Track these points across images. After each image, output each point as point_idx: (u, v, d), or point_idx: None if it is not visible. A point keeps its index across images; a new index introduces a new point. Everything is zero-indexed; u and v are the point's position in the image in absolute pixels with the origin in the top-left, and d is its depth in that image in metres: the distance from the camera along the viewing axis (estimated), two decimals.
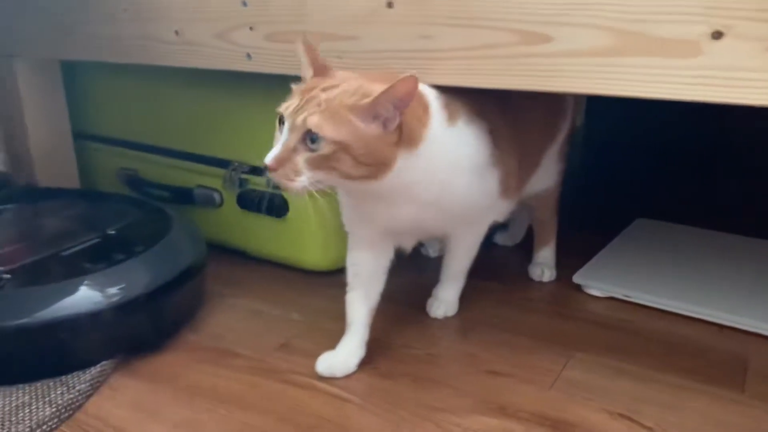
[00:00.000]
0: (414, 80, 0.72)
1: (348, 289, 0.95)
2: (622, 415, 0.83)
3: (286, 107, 0.76)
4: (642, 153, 1.95)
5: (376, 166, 0.77)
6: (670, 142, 1.98)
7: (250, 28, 0.99)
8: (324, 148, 0.74)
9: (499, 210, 1.01)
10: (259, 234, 1.25)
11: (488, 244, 1.29)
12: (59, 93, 1.39)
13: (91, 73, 1.43)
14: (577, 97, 1.22)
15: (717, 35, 0.68)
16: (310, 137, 0.74)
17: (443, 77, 0.84)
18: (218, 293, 1.16)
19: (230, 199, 1.25)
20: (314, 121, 0.73)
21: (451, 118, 0.85)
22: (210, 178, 1.28)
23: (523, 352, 0.97)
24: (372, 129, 0.75)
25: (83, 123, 1.45)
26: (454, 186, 0.87)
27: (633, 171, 1.84)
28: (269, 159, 0.74)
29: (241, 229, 1.27)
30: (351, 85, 0.76)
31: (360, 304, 0.94)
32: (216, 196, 1.27)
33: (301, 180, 0.74)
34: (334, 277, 1.18)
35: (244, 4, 0.99)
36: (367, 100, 0.73)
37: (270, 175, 0.75)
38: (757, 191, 1.66)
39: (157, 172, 1.36)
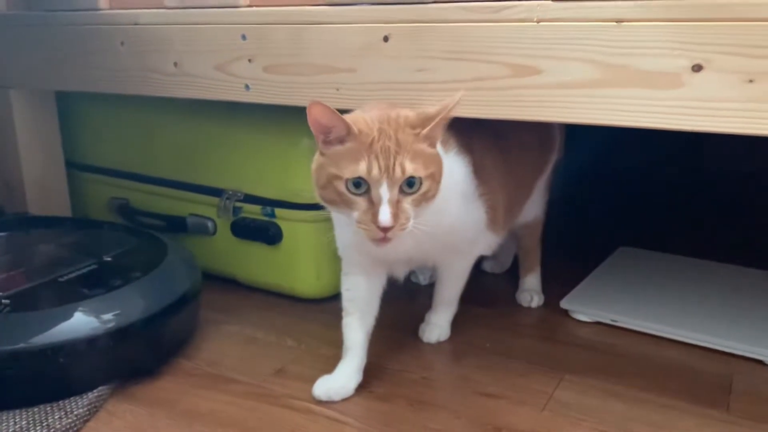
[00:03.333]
0: (458, 99, 0.78)
1: (344, 314, 0.97)
2: None
3: (368, 171, 0.76)
4: (622, 184, 2.01)
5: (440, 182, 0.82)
6: (650, 173, 2.06)
7: (249, 60, 1.03)
8: (423, 186, 0.79)
9: (487, 242, 1.04)
10: (252, 262, 1.26)
11: (477, 271, 1.32)
12: (53, 123, 1.41)
13: (83, 104, 1.45)
14: (561, 130, 1.27)
15: (697, 68, 0.73)
16: (406, 182, 0.78)
17: None
18: (212, 321, 1.16)
19: (224, 227, 1.27)
20: (411, 168, 0.77)
21: (445, 147, 0.90)
22: (203, 207, 1.29)
23: (516, 375, 0.99)
24: (431, 150, 0.81)
25: (75, 153, 1.47)
26: (446, 213, 0.90)
27: (613, 202, 1.89)
28: (385, 221, 0.76)
29: (234, 258, 1.28)
30: (387, 120, 0.79)
31: (357, 329, 0.96)
32: (209, 224, 1.29)
33: (411, 223, 0.79)
34: (327, 305, 1.20)
35: (244, 37, 1.02)
36: (426, 130, 0.79)
37: (387, 234, 0.77)
38: (735, 220, 1.72)
39: (150, 201, 1.37)
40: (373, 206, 0.78)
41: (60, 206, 1.43)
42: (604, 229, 1.65)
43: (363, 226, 0.78)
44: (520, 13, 0.82)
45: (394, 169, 0.77)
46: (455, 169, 0.91)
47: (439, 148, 0.87)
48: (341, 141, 0.79)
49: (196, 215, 1.31)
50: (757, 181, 1.94)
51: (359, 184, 0.78)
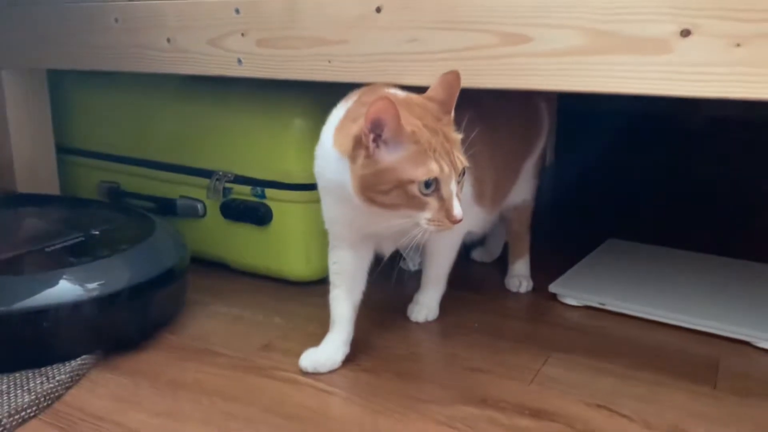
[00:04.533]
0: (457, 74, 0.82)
1: (331, 287, 0.96)
2: (600, 406, 0.85)
3: (440, 170, 0.78)
4: (613, 177, 2.04)
5: None
6: (641, 168, 2.08)
7: (242, 35, 1.03)
8: (467, 171, 0.83)
9: (475, 217, 1.04)
10: (242, 244, 1.25)
11: (466, 260, 1.32)
12: (44, 103, 1.40)
13: (73, 87, 1.45)
14: (551, 122, 1.27)
15: (685, 33, 0.74)
16: (461, 174, 0.82)
17: (431, 78, 0.87)
18: (200, 302, 1.15)
19: (213, 209, 1.27)
20: (464, 159, 0.82)
21: None
22: (193, 189, 1.29)
23: (504, 352, 0.99)
24: (458, 134, 0.85)
25: (65, 137, 1.47)
26: None
27: (604, 194, 1.91)
28: (460, 214, 0.80)
29: (224, 240, 1.27)
30: (421, 114, 0.81)
31: (344, 301, 0.95)
32: (199, 206, 1.28)
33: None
34: (317, 287, 1.19)
35: (237, 11, 1.02)
36: (452, 116, 0.83)
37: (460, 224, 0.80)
38: (719, 213, 1.74)
39: (139, 184, 1.37)
40: (444, 203, 0.79)
41: (49, 189, 1.42)
42: (594, 220, 1.67)
43: (436, 223, 0.80)
44: None
45: (455, 163, 0.80)
46: None
47: None
48: (386, 142, 0.78)
49: (186, 197, 1.30)
50: (743, 175, 1.98)
51: (429, 184, 0.79)
